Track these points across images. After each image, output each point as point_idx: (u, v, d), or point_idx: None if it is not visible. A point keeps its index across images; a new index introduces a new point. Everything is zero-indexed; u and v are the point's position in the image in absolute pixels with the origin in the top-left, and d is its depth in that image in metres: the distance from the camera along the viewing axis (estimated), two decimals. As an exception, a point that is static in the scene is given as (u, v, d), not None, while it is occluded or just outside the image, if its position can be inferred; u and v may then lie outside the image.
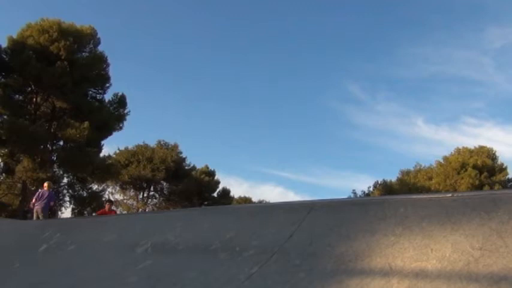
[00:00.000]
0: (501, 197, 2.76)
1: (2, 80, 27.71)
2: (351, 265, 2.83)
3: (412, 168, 48.05)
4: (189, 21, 71.08)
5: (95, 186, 33.61)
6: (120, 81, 55.26)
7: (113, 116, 29.77)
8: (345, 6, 73.54)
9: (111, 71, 30.48)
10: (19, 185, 28.05)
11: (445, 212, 2.81)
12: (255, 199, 52.39)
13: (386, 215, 3.07)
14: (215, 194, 46.40)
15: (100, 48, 30.01)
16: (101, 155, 31.47)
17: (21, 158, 27.34)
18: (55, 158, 29.46)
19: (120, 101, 30.48)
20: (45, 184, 15.37)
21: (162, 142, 45.16)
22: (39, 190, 15.45)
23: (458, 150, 45.06)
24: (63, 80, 26.69)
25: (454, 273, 2.41)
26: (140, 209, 41.59)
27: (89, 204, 32.08)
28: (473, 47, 71.56)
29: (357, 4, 72.88)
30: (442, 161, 45.34)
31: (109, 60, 30.14)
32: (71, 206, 32.47)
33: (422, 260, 2.59)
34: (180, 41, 70.99)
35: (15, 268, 5.02)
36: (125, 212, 38.98)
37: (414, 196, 3.39)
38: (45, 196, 14.56)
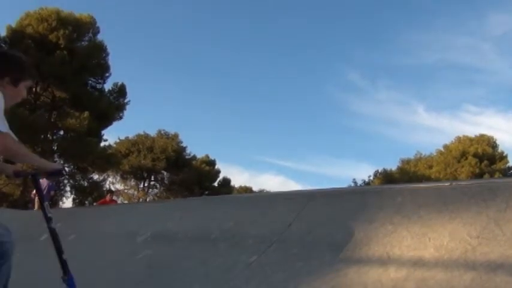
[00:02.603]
0: (499, 185, 2.76)
1: (1, 69, 27.60)
2: (349, 254, 2.85)
3: (412, 157, 48.15)
4: (188, 10, 70.70)
5: (95, 176, 33.77)
6: (120, 70, 55.08)
7: (112, 106, 29.75)
8: (346, -6, 73.00)
9: (111, 60, 30.40)
10: (20, 175, 28.09)
11: (442, 201, 2.82)
12: (255, 188, 52.60)
13: (384, 204, 3.08)
14: (216, 184, 46.54)
15: (99, 37, 29.92)
16: (101, 144, 31.50)
17: (21, 148, 27.35)
18: (55, 148, 29.50)
19: (120, 91, 30.44)
20: (45, 174, 15.39)
21: (162, 131, 45.21)
22: (39, 180, 15.50)
23: (458, 139, 45.09)
24: (63, 70, 26.61)
25: (451, 262, 2.42)
26: (141, 199, 41.76)
27: (90, 194, 32.21)
28: (474, 33, 71.11)
29: (358, -8, 72.32)
30: (442, 149, 45.40)
31: (108, 49, 30.06)
32: (72, 195, 32.64)
33: (420, 249, 2.60)
34: (180, 29, 70.66)
35: (16, 258, 5.04)
36: (125, 201, 39.13)
37: (412, 185, 3.40)
38: (44, 186, 14.62)
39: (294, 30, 73.11)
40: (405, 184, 3.86)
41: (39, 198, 3.42)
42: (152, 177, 44.70)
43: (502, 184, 2.80)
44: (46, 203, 3.13)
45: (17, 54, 3.38)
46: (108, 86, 30.49)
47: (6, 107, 3.20)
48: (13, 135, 3.08)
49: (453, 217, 2.67)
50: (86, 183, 32.62)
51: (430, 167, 44.41)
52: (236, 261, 3.31)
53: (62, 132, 29.72)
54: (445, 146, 45.29)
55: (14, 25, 27.53)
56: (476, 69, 72.34)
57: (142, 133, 44.56)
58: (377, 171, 48.97)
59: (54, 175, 3.22)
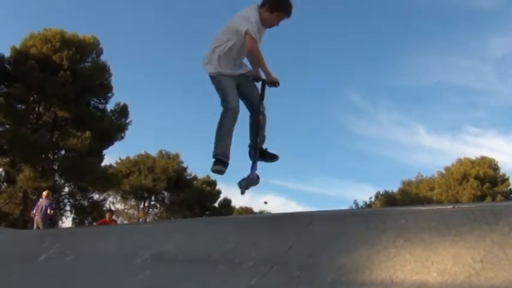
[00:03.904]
0: (502, 208, 2.74)
1: (5, 89, 27.87)
2: (351, 277, 2.81)
3: (413, 179, 48.01)
4: (191, 31, 71.50)
5: (95, 196, 33.67)
6: (122, 91, 55.52)
7: (114, 126, 29.87)
8: (346, 16, 73.97)
9: (114, 81, 30.65)
10: (20, 194, 28.06)
11: (445, 224, 2.79)
12: (256, 209, 52.25)
13: (387, 226, 3.05)
14: (216, 204, 46.33)
15: (102, 57, 30.22)
16: (102, 164, 31.53)
17: (22, 167, 27.38)
18: (56, 168, 29.50)
19: (122, 111, 30.60)
20: (44, 193, 15.42)
21: (163, 152, 45.24)
22: (40, 200, 15.49)
23: (460, 161, 45.03)
24: (66, 90, 26.81)
25: (455, 286, 2.39)
26: (141, 219, 41.53)
27: (90, 213, 32.07)
28: (475, 56, 71.83)
29: (359, 14, 73.31)
30: (443, 171, 45.31)
31: (111, 70, 30.34)
32: (72, 215, 32.49)
33: (423, 273, 2.57)
34: (183, 49, 71.37)
35: (14, 278, 5.00)
36: (125, 221, 38.92)
37: (415, 208, 3.37)
38: (43, 205, 14.60)
39: (295, 51, 73.82)
40: (408, 206, 3.83)
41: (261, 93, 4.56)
42: (153, 197, 44.56)
43: (505, 207, 2.77)
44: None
45: (290, 1, 4.43)
46: (110, 106, 30.70)
47: (264, 27, 4.46)
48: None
49: (456, 240, 2.64)
50: (86, 203, 32.50)
51: (432, 189, 44.25)
52: (236, 283, 3.27)
53: (63, 152, 29.78)
54: (447, 168, 45.22)
55: (18, 46, 27.85)
56: (477, 91, 72.81)
57: (143, 153, 44.62)
58: (378, 192, 48.84)
59: (271, 85, 4.45)
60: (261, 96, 4.58)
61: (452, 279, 2.43)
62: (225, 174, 4.39)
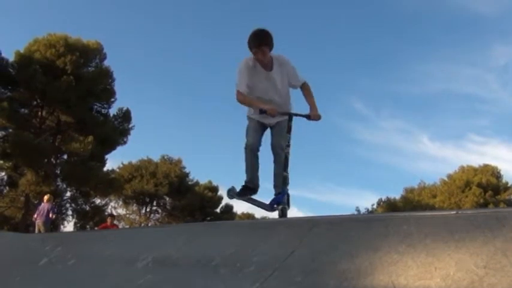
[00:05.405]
0: (505, 215, 2.72)
1: (8, 93, 27.99)
2: (354, 282, 2.79)
3: (416, 186, 47.95)
4: (193, 35, 71.75)
5: (97, 201, 33.76)
6: (125, 96, 55.80)
7: (117, 131, 29.98)
8: (350, 24, 74.16)
9: (117, 86, 30.78)
10: (22, 198, 28.11)
11: (448, 230, 2.77)
12: (257, 215, 52.15)
13: (390, 232, 3.03)
14: (218, 210, 46.30)
15: (106, 63, 30.36)
16: (105, 169, 31.60)
17: (25, 171, 27.45)
18: (59, 172, 29.56)
19: (125, 116, 30.72)
20: (45, 197, 15.48)
21: (165, 157, 45.33)
22: (41, 204, 15.53)
23: (462, 169, 44.95)
24: (69, 94, 26.92)
25: (458, 293, 2.37)
26: (142, 224, 41.51)
27: (92, 218, 32.12)
28: (478, 64, 71.90)
29: (362, 22, 73.49)
30: (446, 178, 45.23)
31: (114, 75, 30.47)
32: (74, 220, 32.53)
33: (426, 279, 2.55)
34: (185, 54, 71.61)
35: (15, 282, 4.99)
36: (127, 226, 38.91)
37: (418, 213, 3.35)
38: (45, 209, 14.64)
39: (297, 57, 73.90)
40: (411, 212, 3.81)
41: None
42: (154, 202, 44.58)
43: (508, 214, 2.76)
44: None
45: (254, 31, 4.87)
46: (113, 111, 30.83)
47: (262, 66, 5.01)
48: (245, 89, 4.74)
49: (459, 246, 2.63)
50: (88, 208, 32.56)
51: (434, 196, 44.17)
52: (238, 288, 3.25)
53: (65, 156, 29.86)
54: (449, 176, 45.18)
55: (22, 50, 28.00)
56: (480, 99, 72.81)
57: (145, 158, 44.72)
58: (380, 199, 48.80)
59: (262, 113, 4.75)
60: (287, 128, 5.22)
61: (455, 285, 2.42)
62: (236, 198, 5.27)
